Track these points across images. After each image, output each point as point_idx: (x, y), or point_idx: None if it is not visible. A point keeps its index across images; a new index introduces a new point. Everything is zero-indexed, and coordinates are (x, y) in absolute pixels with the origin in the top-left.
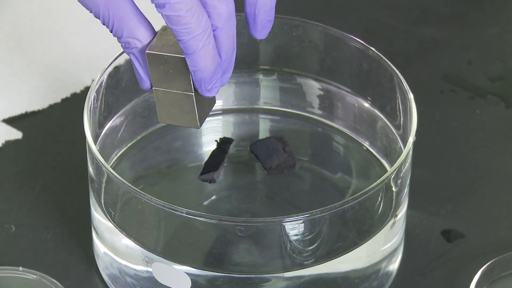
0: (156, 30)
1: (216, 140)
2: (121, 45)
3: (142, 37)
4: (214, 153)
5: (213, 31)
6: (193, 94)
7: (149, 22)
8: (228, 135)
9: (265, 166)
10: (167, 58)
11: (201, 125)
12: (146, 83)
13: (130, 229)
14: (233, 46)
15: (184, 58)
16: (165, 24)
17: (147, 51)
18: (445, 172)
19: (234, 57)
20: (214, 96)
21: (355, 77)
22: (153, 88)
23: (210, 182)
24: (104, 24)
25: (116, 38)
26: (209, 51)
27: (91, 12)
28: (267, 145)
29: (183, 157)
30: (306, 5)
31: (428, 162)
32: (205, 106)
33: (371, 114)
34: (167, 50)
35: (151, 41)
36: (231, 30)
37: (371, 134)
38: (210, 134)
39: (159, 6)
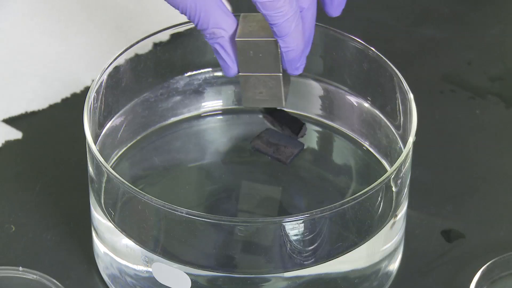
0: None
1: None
2: (206, 37)
3: (227, 26)
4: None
5: (300, 12)
6: (281, 74)
7: (231, 12)
8: (228, 135)
9: (296, 133)
10: (257, 43)
11: (285, 103)
12: (233, 70)
13: (130, 229)
14: (314, 24)
15: (274, 40)
16: (243, 13)
17: (237, 39)
18: (445, 172)
19: (313, 35)
20: (290, 76)
21: (355, 77)
22: (239, 74)
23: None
24: (190, 19)
25: (201, 30)
26: (300, 31)
27: (177, 9)
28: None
29: (183, 157)
30: None
31: (428, 162)
32: (287, 85)
33: (371, 114)
34: (255, 35)
35: (235, 30)
36: (315, 9)
37: (371, 134)
38: (210, 134)
39: None
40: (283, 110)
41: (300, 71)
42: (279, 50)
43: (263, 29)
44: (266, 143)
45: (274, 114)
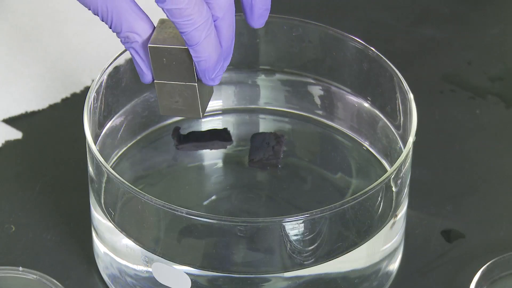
0: (154, 24)
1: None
2: (121, 40)
3: (141, 31)
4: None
5: (214, 21)
6: (196, 84)
7: (147, 16)
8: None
9: (249, 157)
10: (170, 50)
11: (203, 115)
12: (147, 77)
13: (130, 229)
14: (233, 34)
15: (187, 49)
16: (162, 18)
17: (149, 45)
18: (445, 172)
19: (233, 45)
20: (212, 86)
21: (355, 77)
22: (154, 81)
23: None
24: (103, 20)
25: (115, 33)
26: (212, 41)
27: (89, 9)
28: (264, 138)
29: (183, 157)
30: (306, 5)
31: (428, 162)
32: (206, 96)
33: (371, 114)
34: (169, 42)
35: (150, 34)
36: (231, 19)
37: (371, 134)
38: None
39: (159, 1)
40: (194, 132)
41: (216, 82)
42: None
43: (178, 36)
44: (259, 163)
45: (189, 138)
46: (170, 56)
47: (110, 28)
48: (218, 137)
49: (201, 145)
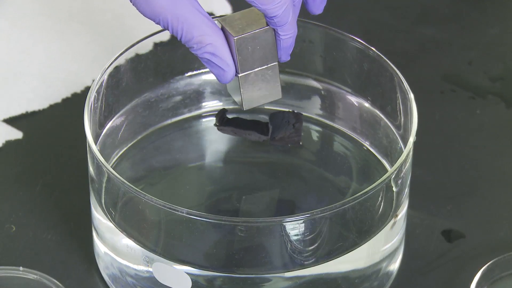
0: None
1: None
2: (192, 48)
3: (212, 32)
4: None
5: None
6: (277, 62)
7: (211, 18)
8: (228, 135)
9: (271, 135)
10: (255, 35)
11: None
12: (229, 74)
13: (130, 229)
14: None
15: (270, 28)
16: (218, 18)
17: (235, 37)
18: (445, 172)
19: None
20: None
21: (355, 77)
22: (239, 75)
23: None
24: (172, 32)
25: (185, 42)
26: (296, 17)
27: (157, 23)
28: (283, 116)
29: (183, 157)
30: None
31: (428, 162)
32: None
33: (372, 114)
34: (249, 29)
35: (221, 34)
36: None
37: (371, 134)
38: (210, 134)
39: None
40: (237, 117)
41: (289, 57)
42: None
43: (251, 22)
44: (282, 140)
45: (231, 123)
46: (255, 41)
47: (180, 38)
48: (257, 128)
49: (239, 132)
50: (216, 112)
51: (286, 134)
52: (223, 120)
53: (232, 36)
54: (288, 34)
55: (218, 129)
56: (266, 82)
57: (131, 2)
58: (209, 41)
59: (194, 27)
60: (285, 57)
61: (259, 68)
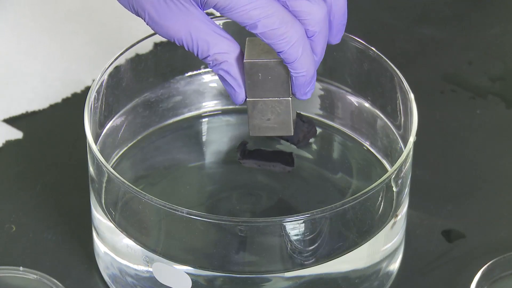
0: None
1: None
2: (209, 65)
3: (229, 49)
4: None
5: (311, 36)
6: (290, 99)
7: (231, 36)
8: (228, 135)
9: (293, 141)
10: (266, 64)
11: (294, 131)
12: (240, 96)
13: (130, 229)
14: (325, 45)
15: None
16: (249, 37)
17: (245, 60)
18: (445, 172)
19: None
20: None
21: (355, 77)
22: (247, 99)
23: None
24: (188, 49)
25: (203, 59)
26: (309, 55)
27: (173, 41)
28: None
29: (183, 157)
30: None
31: (428, 162)
32: (294, 112)
33: (372, 114)
34: (264, 57)
35: (239, 53)
36: (326, 31)
37: (371, 134)
38: (211, 134)
39: (252, 28)
40: (259, 149)
41: (308, 96)
42: (289, 73)
43: (271, 50)
44: (305, 140)
45: (253, 155)
46: (266, 70)
47: (197, 55)
48: (281, 159)
49: (263, 164)
50: (238, 144)
51: (305, 131)
52: (244, 153)
53: (244, 59)
54: (299, 72)
55: (241, 163)
56: (276, 114)
57: (145, 22)
58: (224, 59)
59: (210, 44)
60: (300, 95)
61: (270, 99)
